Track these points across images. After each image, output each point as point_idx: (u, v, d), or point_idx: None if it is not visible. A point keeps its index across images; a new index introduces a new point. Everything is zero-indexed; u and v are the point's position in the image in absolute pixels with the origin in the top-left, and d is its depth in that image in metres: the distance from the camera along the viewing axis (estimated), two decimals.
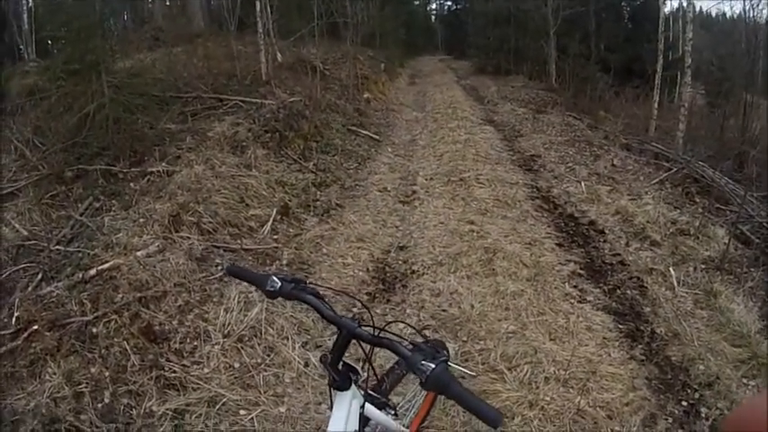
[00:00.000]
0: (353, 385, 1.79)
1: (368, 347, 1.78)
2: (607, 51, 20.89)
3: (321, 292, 1.89)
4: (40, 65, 8.99)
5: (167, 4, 20.09)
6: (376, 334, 1.72)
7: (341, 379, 1.74)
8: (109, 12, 9.57)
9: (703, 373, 4.05)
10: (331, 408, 1.77)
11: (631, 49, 20.65)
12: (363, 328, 1.75)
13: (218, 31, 14.38)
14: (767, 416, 0.75)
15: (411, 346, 1.59)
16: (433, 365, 1.47)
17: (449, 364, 1.55)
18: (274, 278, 1.84)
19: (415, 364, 1.49)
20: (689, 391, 3.90)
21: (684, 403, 3.76)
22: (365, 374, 1.84)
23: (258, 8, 11.29)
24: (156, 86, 8.63)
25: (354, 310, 4.38)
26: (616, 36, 21.83)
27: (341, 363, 1.75)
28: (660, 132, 13.57)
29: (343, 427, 1.72)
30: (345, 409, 1.74)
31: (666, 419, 3.58)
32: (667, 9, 17.53)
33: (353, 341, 1.76)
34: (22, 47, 13.56)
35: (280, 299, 1.90)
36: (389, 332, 1.73)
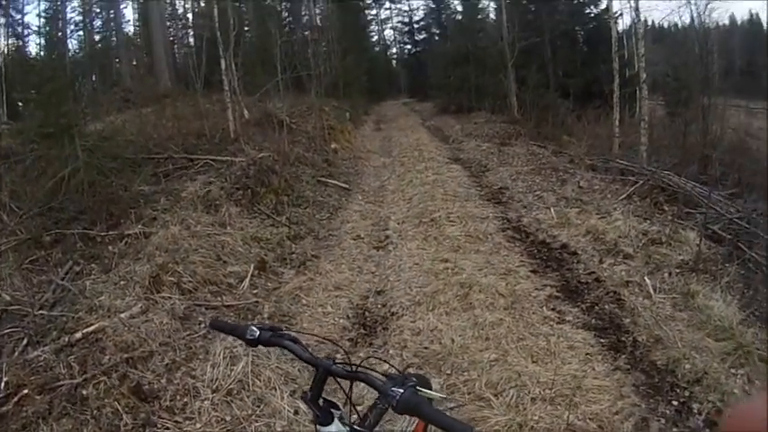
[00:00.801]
0: (336, 420, 1.88)
1: (346, 384, 1.91)
2: (565, 77, 21.30)
3: (299, 338, 2.02)
4: (13, 127, 9.06)
5: (134, 63, 20.26)
6: (353, 370, 1.85)
7: (322, 414, 1.85)
8: (79, 73, 9.71)
9: (690, 371, 4.16)
10: None
11: (588, 72, 20.92)
12: (340, 365, 1.88)
13: (186, 89, 14.59)
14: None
15: (385, 378, 1.74)
16: (401, 390, 1.60)
17: (418, 389, 1.67)
18: (253, 327, 1.97)
19: (386, 390, 1.63)
20: (678, 390, 4.01)
21: (675, 403, 3.86)
22: (346, 410, 1.93)
23: (223, 66, 11.56)
24: (128, 149, 8.78)
25: (338, 355, 4.45)
26: (573, 61, 22.32)
27: (321, 399, 1.86)
28: (624, 149, 13.85)
29: None
30: None
31: (659, 420, 3.68)
32: (620, 27, 18.05)
33: (332, 379, 1.88)
34: None
35: (261, 347, 2.04)
36: (368, 368, 1.85)
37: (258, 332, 1.96)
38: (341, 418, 1.91)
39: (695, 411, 3.79)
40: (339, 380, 1.90)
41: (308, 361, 1.91)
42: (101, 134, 8.24)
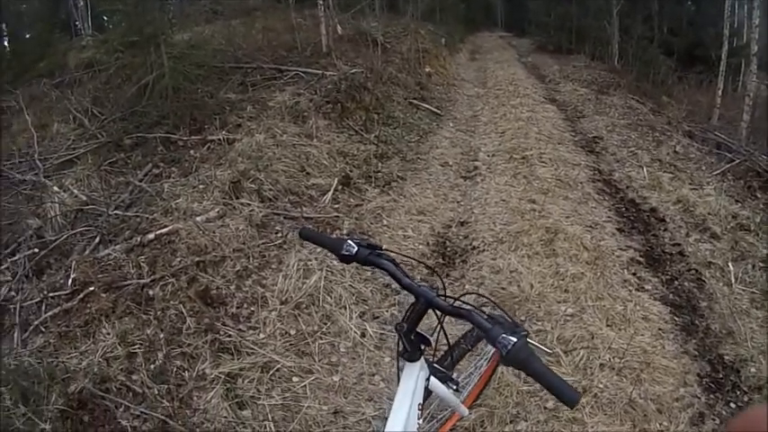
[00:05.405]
0: (422, 357, 1.74)
1: (442, 318, 1.70)
2: (670, 34, 20.16)
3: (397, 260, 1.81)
4: (98, 38, 9.08)
5: None
6: (452, 303, 1.65)
7: (412, 349, 1.70)
8: None
9: (754, 376, 3.84)
10: (398, 378, 1.74)
11: (694, 33, 19.84)
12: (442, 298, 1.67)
13: (277, 4, 14.35)
14: None
15: (490, 319, 1.52)
16: (515, 340, 1.40)
17: (528, 340, 1.46)
18: (350, 242, 1.78)
19: (496, 337, 1.42)
20: (738, 392, 3.72)
21: (733, 405, 3.60)
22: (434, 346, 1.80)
23: None
24: (216, 57, 8.69)
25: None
26: (679, 19, 21.07)
27: (413, 333, 1.70)
28: (723, 122, 12.97)
29: (411, 398, 1.68)
30: (413, 381, 1.71)
31: (714, 420, 3.43)
32: None
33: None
34: (78, 22, 13.88)
35: (354, 264, 1.81)
36: (465, 302, 1.68)
37: (356, 248, 1.77)
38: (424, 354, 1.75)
39: None
40: (437, 313, 1.69)
41: (409, 288, 1.72)
42: (188, 43, 8.11)
